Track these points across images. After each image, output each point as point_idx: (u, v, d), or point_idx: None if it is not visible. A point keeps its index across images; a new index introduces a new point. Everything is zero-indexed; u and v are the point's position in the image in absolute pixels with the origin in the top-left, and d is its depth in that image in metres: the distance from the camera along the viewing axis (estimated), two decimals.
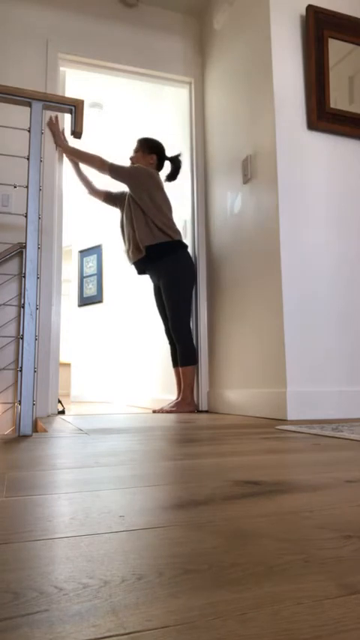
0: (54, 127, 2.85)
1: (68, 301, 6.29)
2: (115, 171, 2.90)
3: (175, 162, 3.15)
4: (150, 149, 3.09)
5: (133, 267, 3.30)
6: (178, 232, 2.96)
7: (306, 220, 2.30)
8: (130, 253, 3.01)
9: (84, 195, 2.98)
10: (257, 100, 2.48)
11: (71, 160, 2.98)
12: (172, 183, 3.62)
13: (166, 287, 2.92)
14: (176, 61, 3.20)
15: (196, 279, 3.08)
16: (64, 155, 2.92)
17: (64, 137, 2.89)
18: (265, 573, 0.42)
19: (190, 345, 2.91)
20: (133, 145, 3.16)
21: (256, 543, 0.50)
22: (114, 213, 4.96)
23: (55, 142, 2.86)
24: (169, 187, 3.70)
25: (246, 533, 0.53)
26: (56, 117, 2.87)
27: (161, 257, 2.91)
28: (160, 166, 3.13)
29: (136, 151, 3.11)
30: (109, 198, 3.14)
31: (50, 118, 2.85)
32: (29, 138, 1.83)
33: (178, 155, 3.17)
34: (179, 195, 3.42)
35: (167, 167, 3.22)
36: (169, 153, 3.27)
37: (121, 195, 3.13)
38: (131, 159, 3.12)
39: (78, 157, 2.89)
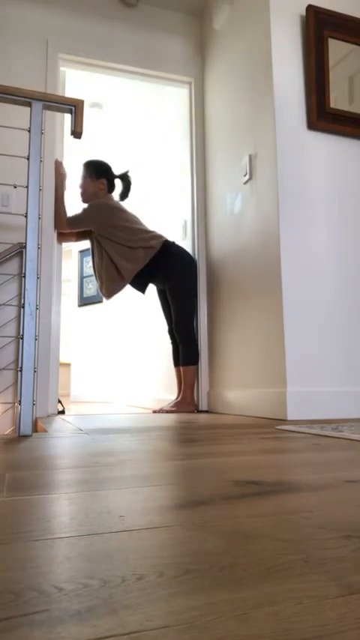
0: (60, 170, 2.82)
1: (68, 301, 6.29)
2: (72, 223, 2.82)
3: (125, 179, 3.07)
4: (98, 174, 2.98)
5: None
6: (157, 237, 2.89)
7: (306, 220, 2.30)
8: (104, 289, 2.90)
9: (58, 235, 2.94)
10: (257, 99, 2.48)
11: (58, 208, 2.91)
12: (173, 182, 3.62)
13: (173, 289, 2.92)
14: (176, 61, 3.20)
15: (197, 275, 3.07)
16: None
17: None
18: (265, 573, 0.42)
19: (193, 345, 2.91)
20: (81, 170, 3.03)
21: (256, 543, 0.50)
22: None
23: (57, 178, 2.82)
24: (169, 185, 3.70)
25: (246, 533, 0.53)
26: (60, 163, 2.85)
27: (160, 267, 2.90)
28: (111, 188, 3.04)
29: (84, 177, 2.99)
30: (81, 235, 3.01)
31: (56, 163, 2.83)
32: (29, 138, 1.83)
33: (127, 172, 3.09)
34: (179, 195, 3.42)
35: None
36: (124, 168, 3.17)
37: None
38: (80, 186, 3.00)
39: (57, 206, 2.81)
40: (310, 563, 0.44)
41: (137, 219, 2.95)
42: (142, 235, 2.86)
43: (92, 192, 2.98)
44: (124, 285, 2.89)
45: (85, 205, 2.93)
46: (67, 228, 2.83)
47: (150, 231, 2.91)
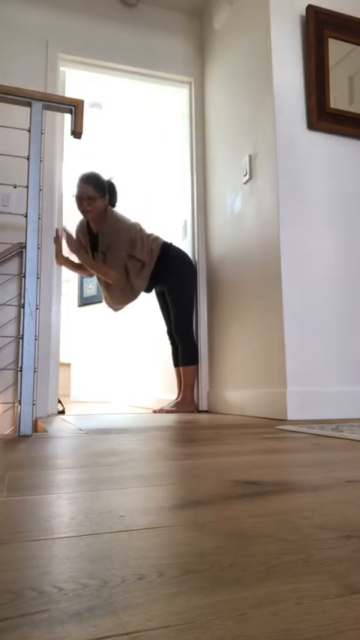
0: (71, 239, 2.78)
1: (68, 301, 6.29)
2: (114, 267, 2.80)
3: (110, 187, 2.92)
4: (103, 190, 2.78)
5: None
6: (155, 239, 2.89)
7: (306, 220, 2.30)
8: (111, 301, 2.91)
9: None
10: (257, 99, 2.48)
11: (73, 268, 2.90)
12: (173, 182, 3.62)
13: (171, 290, 2.92)
14: (176, 61, 3.20)
15: (196, 275, 3.06)
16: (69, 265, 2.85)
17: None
18: (265, 573, 0.42)
19: (192, 345, 2.91)
20: (87, 188, 2.75)
21: (256, 543, 0.50)
22: None
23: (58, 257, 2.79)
24: (169, 185, 3.70)
25: (246, 533, 0.53)
26: (61, 234, 2.81)
27: (159, 269, 2.90)
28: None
29: (93, 198, 2.73)
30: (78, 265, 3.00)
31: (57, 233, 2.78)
32: (29, 138, 1.83)
33: (111, 179, 2.94)
34: (179, 195, 3.42)
35: None
36: (109, 174, 3.06)
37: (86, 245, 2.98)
38: (90, 205, 2.74)
39: (96, 268, 2.76)
40: (310, 563, 0.44)
41: (139, 225, 2.94)
42: (147, 246, 2.85)
43: (101, 210, 2.81)
44: (134, 299, 2.90)
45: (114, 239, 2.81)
46: (119, 275, 2.80)
47: (149, 235, 2.92)
